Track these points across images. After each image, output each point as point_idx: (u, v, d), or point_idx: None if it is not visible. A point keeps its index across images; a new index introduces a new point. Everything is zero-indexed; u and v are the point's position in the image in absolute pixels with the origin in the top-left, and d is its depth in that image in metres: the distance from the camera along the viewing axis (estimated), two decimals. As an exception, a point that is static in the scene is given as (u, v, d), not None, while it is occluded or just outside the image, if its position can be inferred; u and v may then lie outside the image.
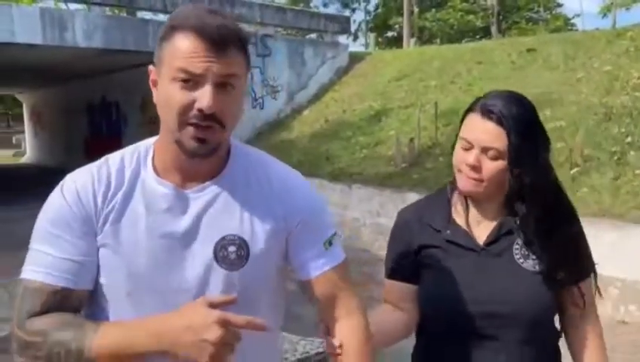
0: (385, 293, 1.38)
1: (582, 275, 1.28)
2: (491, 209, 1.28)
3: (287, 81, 11.85)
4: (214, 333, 0.87)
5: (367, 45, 30.16)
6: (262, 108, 11.65)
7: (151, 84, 1.01)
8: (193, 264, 1.01)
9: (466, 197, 1.29)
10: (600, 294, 1.32)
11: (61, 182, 1.05)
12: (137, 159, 1.05)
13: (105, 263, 1.01)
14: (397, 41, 28.03)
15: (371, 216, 6.91)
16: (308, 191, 1.13)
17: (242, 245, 1.02)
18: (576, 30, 24.23)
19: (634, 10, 24.63)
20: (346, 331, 1.08)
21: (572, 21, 29.24)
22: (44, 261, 0.98)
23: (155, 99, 1.00)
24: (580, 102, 7.10)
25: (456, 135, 1.27)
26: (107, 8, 10.10)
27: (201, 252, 1.01)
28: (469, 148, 1.21)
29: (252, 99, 11.52)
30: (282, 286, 1.16)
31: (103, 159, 1.07)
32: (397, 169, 7.49)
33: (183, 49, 0.92)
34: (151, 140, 1.09)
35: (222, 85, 0.94)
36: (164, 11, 10.36)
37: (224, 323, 0.88)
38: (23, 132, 24.47)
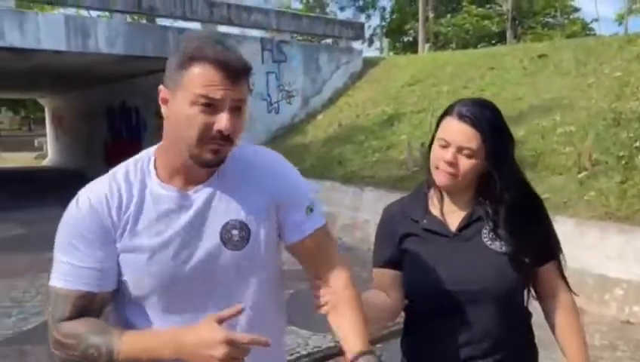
0: (374, 281, 1.54)
1: (547, 258, 1.44)
2: (463, 200, 1.45)
3: (302, 86, 12.06)
4: (220, 351, 1.01)
5: (382, 50, 30.29)
6: (277, 113, 11.87)
7: (161, 101, 1.14)
8: (204, 250, 1.16)
9: (441, 191, 1.46)
10: (564, 275, 1.47)
11: (76, 197, 1.18)
12: (142, 170, 1.19)
13: (129, 266, 1.15)
14: (412, 46, 28.09)
15: (383, 219, 7.04)
16: (285, 170, 1.28)
17: (243, 227, 1.18)
18: (594, 35, 24.14)
19: (651, 16, 24.47)
20: (340, 283, 1.25)
21: (590, 26, 29.07)
22: (67, 269, 1.13)
23: (165, 115, 1.14)
24: (590, 108, 7.17)
25: (432, 136, 1.44)
26: (128, 15, 10.39)
27: (210, 238, 1.17)
28: (446, 146, 1.38)
29: (267, 103, 11.74)
30: (281, 267, 1.32)
31: (110, 174, 1.20)
32: (408, 172, 7.62)
33: (205, 78, 1.07)
34: (150, 151, 1.23)
35: (235, 109, 1.11)
36: (184, 18, 10.64)
37: (230, 342, 1.01)
38: (44, 135, 25.02)
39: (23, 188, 13.87)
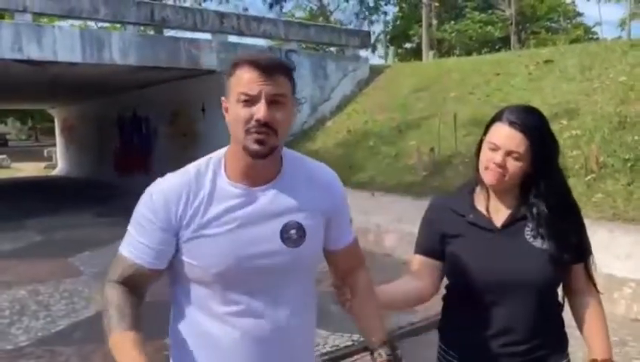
0: (411, 265, 1.68)
1: (581, 257, 1.56)
2: (508, 199, 1.57)
3: (311, 94, 12.22)
4: None
5: (386, 56, 30.44)
6: (286, 120, 12.02)
7: (224, 111, 1.31)
8: (264, 244, 1.30)
9: (488, 189, 1.58)
10: (592, 275, 1.59)
11: (152, 186, 1.33)
12: (213, 168, 1.33)
13: (197, 252, 1.29)
14: (416, 53, 28.24)
15: (394, 223, 7.17)
16: (337, 182, 1.47)
17: (300, 228, 1.34)
18: (597, 39, 24.29)
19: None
20: (362, 285, 1.50)
21: (593, 30, 29.19)
22: (131, 241, 1.33)
23: (227, 120, 1.30)
24: (596, 112, 7.31)
25: (481, 139, 1.57)
26: (141, 27, 10.60)
27: (270, 234, 1.31)
28: (495, 149, 1.50)
29: (277, 111, 11.88)
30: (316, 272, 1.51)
31: (184, 170, 1.35)
32: (418, 177, 7.75)
33: (243, 78, 1.24)
34: (222, 151, 1.37)
35: (274, 102, 1.24)
36: (195, 29, 10.84)
37: None
38: (51, 145, 25.26)
39: (37, 197, 14.06)
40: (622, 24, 21.49)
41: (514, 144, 1.47)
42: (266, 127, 1.23)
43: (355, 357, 4.11)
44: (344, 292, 1.47)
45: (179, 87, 11.83)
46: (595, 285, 1.59)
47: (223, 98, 1.32)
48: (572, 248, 1.52)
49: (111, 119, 16.36)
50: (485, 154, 1.53)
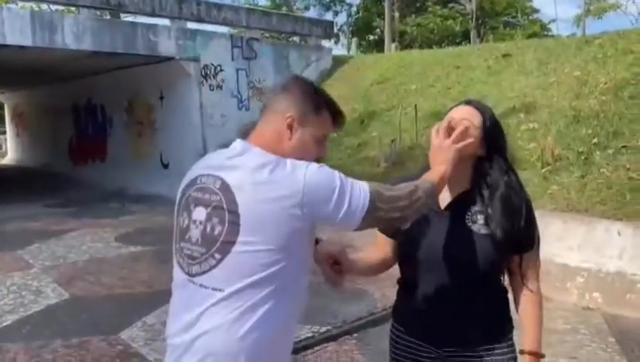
0: (375, 238, 1.78)
1: (522, 247, 1.59)
2: (458, 183, 1.61)
3: (273, 83, 12.09)
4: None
5: (348, 48, 30.47)
6: (247, 110, 11.86)
7: (287, 127, 1.43)
8: None
9: None
10: (537, 266, 1.62)
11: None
12: None
13: None
14: (377, 45, 28.38)
15: (355, 214, 7.18)
16: None
17: None
18: (552, 35, 24.98)
19: (605, 18, 25.54)
20: None
21: (548, 26, 30.03)
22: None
23: (289, 138, 1.43)
24: (552, 106, 7.49)
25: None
26: (97, 11, 10.20)
27: None
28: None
29: (238, 100, 11.74)
30: None
31: None
32: (380, 169, 7.80)
33: (331, 125, 1.50)
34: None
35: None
36: (153, 14, 10.53)
37: None
38: (1, 133, 24.22)
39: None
40: (577, 21, 22.20)
41: (469, 115, 1.58)
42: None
43: (316, 348, 4.10)
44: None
45: (136, 75, 11.47)
46: (537, 275, 1.62)
47: (291, 114, 1.43)
48: (511, 237, 1.54)
49: (65, 106, 15.80)
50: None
